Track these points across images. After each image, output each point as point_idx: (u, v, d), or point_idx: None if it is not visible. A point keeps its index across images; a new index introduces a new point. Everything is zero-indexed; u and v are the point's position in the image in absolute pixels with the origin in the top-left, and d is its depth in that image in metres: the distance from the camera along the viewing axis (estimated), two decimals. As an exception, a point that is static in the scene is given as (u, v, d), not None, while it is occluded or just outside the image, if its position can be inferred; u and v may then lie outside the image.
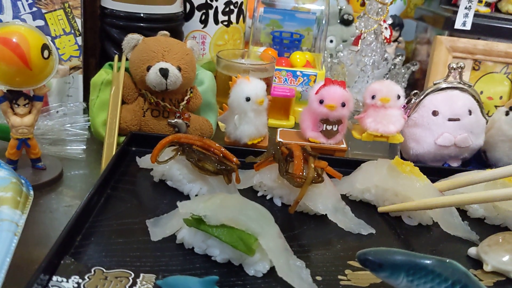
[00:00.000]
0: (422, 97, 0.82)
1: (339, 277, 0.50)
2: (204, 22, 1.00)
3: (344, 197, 0.65)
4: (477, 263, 0.56)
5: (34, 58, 0.59)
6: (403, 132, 0.83)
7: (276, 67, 0.96)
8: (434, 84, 0.83)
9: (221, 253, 0.50)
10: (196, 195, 0.62)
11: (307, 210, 0.62)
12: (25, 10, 0.79)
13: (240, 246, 0.48)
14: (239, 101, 0.73)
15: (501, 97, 1.09)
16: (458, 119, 0.80)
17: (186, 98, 0.77)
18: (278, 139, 0.81)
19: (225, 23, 1.02)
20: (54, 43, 0.82)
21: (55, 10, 0.81)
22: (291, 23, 1.10)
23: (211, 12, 1.00)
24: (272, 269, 0.48)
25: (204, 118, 0.80)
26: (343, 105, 0.76)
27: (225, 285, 0.47)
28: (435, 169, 0.76)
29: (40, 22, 0.81)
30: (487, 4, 1.14)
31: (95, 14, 0.94)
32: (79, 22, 0.83)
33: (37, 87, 0.63)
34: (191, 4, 0.99)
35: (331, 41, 1.31)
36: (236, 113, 0.74)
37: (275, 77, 0.98)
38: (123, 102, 0.75)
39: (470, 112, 0.81)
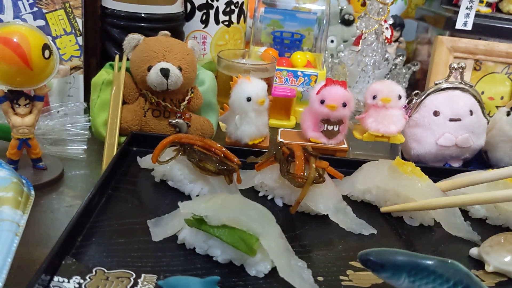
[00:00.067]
0: (423, 97, 0.82)
1: (341, 277, 0.50)
2: (205, 22, 1.00)
3: (345, 198, 0.65)
4: (478, 264, 0.56)
5: (35, 58, 0.59)
6: (404, 132, 0.83)
7: (277, 67, 0.96)
8: (435, 84, 0.83)
9: (222, 253, 0.50)
10: (197, 195, 0.62)
11: (308, 211, 0.62)
12: (26, 10, 0.79)
13: (241, 246, 0.47)
14: (240, 101, 0.73)
15: (502, 98, 1.09)
16: (459, 120, 0.80)
17: (187, 98, 0.76)
18: (279, 139, 0.81)
19: (226, 23, 1.01)
20: (55, 43, 0.82)
21: (56, 10, 0.81)
22: (292, 23, 1.10)
23: (212, 12, 1.00)
24: (274, 270, 0.48)
25: (205, 118, 0.80)
26: (344, 105, 0.76)
27: (226, 286, 0.47)
28: (436, 170, 0.75)
29: (41, 22, 0.81)
30: (488, 4, 1.13)
31: (96, 14, 0.94)
32: (80, 22, 0.83)
33: (38, 87, 0.63)
34: (192, 4, 0.99)
35: (332, 41, 1.31)
36: (237, 113, 0.74)
37: (276, 77, 0.98)
38: (124, 102, 0.75)
39: (471, 113, 0.81)
